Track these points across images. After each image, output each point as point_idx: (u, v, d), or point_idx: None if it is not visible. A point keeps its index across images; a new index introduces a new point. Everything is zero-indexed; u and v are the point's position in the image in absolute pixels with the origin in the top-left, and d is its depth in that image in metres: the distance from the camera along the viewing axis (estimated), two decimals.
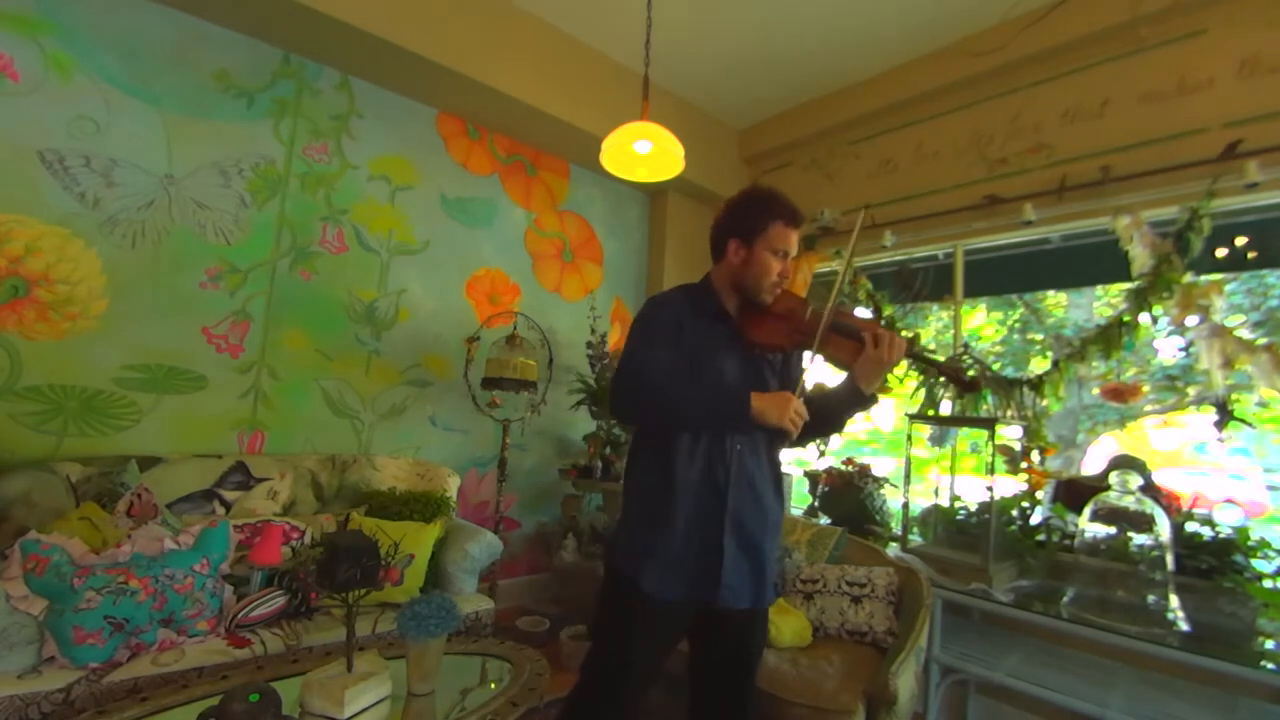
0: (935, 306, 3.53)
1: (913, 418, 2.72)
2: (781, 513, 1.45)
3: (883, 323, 3.18)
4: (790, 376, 1.47)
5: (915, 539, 2.63)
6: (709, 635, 1.40)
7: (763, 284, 1.39)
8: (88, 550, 1.71)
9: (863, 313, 3.29)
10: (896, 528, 2.73)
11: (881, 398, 3.28)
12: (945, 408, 2.87)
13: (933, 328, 4.07)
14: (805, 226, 3.60)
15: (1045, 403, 2.64)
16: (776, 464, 1.45)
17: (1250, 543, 1.99)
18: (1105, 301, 3.83)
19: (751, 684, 1.45)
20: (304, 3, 2.36)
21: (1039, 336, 4.49)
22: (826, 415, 1.40)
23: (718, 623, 1.37)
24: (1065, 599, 2.05)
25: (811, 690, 1.73)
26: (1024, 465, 2.56)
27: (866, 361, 1.31)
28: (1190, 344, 2.33)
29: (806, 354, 1.41)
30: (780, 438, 1.38)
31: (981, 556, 2.26)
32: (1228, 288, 2.29)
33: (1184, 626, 1.82)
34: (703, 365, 1.36)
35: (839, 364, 1.40)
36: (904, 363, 1.39)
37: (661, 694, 1.53)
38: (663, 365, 1.32)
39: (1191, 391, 3.56)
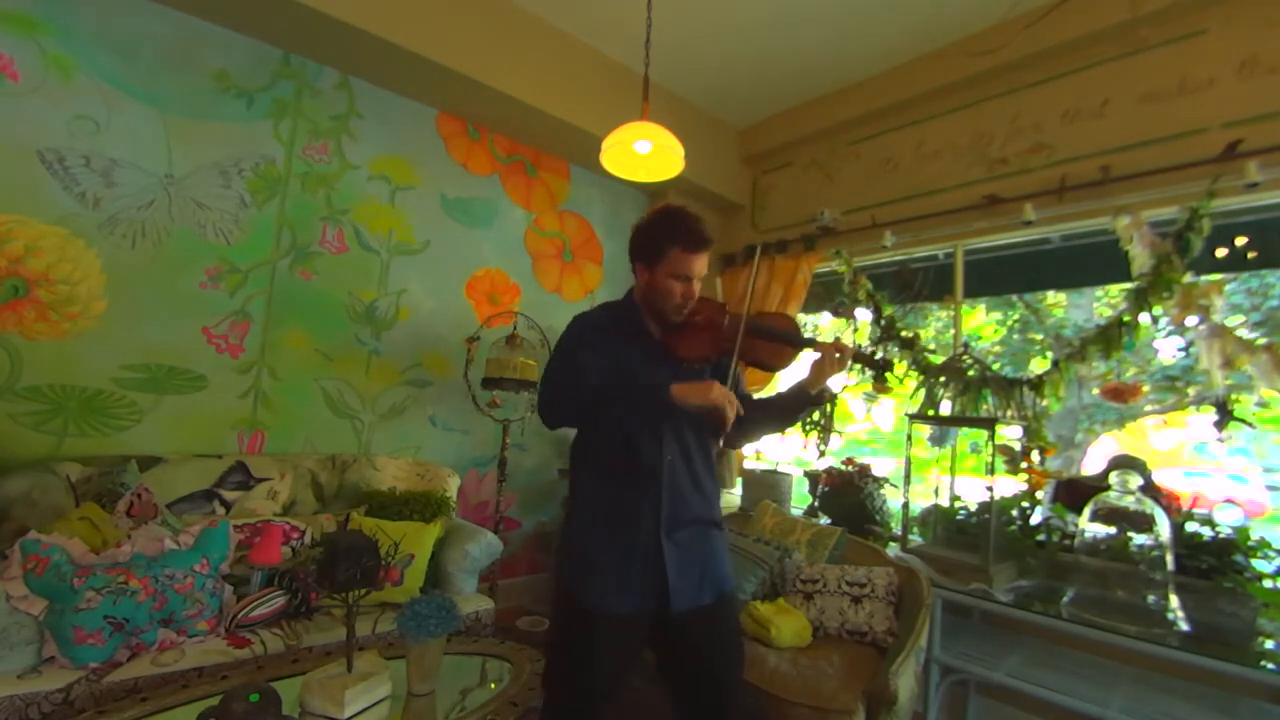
0: (935, 306, 3.54)
1: (913, 418, 2.72)
2: (718, 509, 1.47)
3: (882, 323, 3.18)
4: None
5: (915, 539, 2.63)
6: (672, 641, 1.37)
7: (666, 307, 1.40)
8: (88, 550, 1.71)
9: (815, 317, 3.29)
10: (896, 528, 2.73)
11: (882, 397, 3.28)
12: (945, 408, 2.87)
13: (933, 328, 4.08)
14: (805, 226, 3.64)
15: (1045, 403, 2.64)
16: (711, 468, 1.47)
17: (1250, 543, 1.99)
18: (1105, 301, 3.83)
19: (736, 679, 1.41)
20: (304, 3, 2.36)
21: (1039, 336, 4.50)
22: (774, 414, 1.44)
23: (678, 627, 1.34)
24: (1065, 599, 2.05)
25: (811, 690, 1.73)
26: (1024, 465, 2.56)
27: (815, 370, 1.38)
28: (1190, 344, 2.33)
29: (741, 379, 1.44)
30: (712, 435, 1.41)
31: (981, 556, 2.26)
32: (1228, 288, 2.29)
33: (1184, 626, 1.82)
34: (631, 375, 1.37)
35: (763, 366, 1.44)
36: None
37: (653, 690, 1.52)
38: (585, 363, 1.34)
39: (1191, 391, 3.57)
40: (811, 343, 1.42)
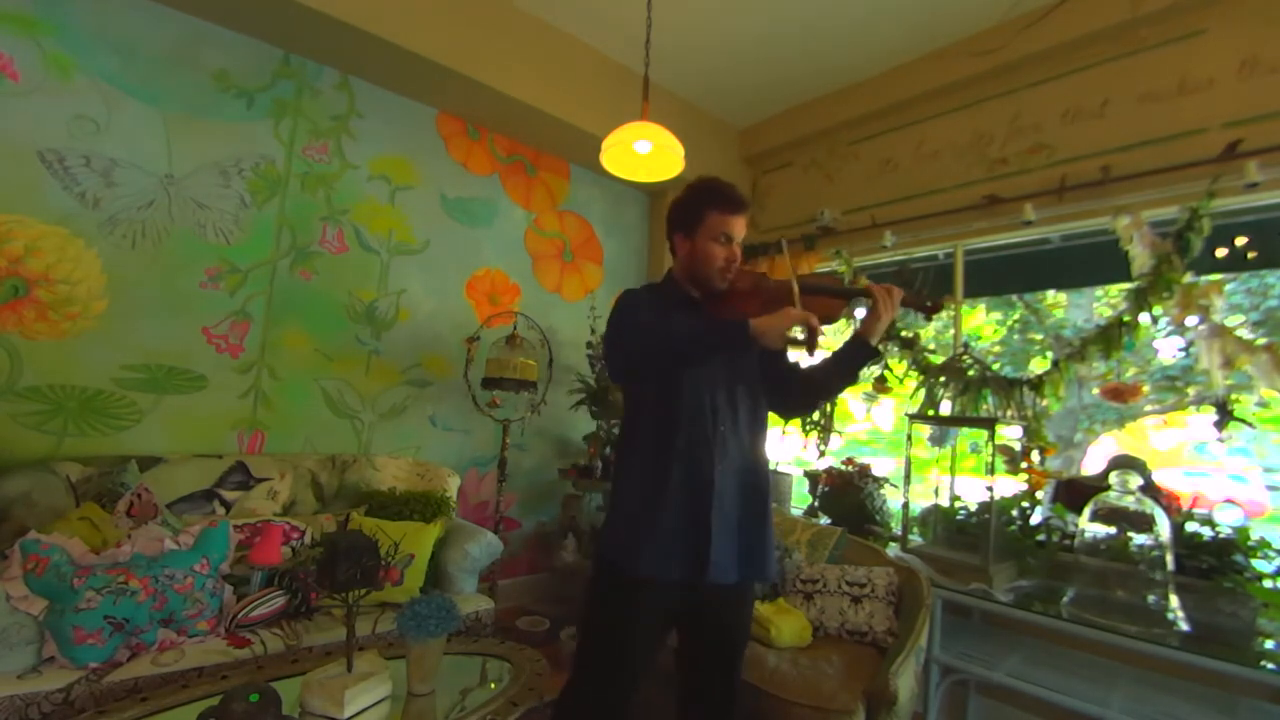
0: None
1: (913, 418, 2.72)
2: (768, 493, 1.46)
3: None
4: (768, 354, 1.48)
5: (915, 539, 2.63)
6: (696, 616, 1.41)
7: (710, 272, 1.41)
8: (88, 550, 1.71)
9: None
10: (896, 528, 2.73)
11: (882, 397, 3.29)
12: (945, 408, 2.87)
13: (933, 328, 4.07)
14: (805, 226, 3.64)
15: (1045, 403, 2.64)
16: (761, 451, 1.47)
17: (1250, 543, 1.99)
18: (1105, 301, 3.83)
19: (738, 668, 1.45)
20: (304, 3, 2.36)
21: (1039, 336, 4.50)
22: (835, 371, 1.44)
23: (704, 602, 1.38)
24: (1065, 599, 2.05)
25: (811, 690, 1.73)
26: (1024, 465, 2.56)
27: (870, 317, 1.38)
28: (1190, 344, 2.33)
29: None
30: (761, 407, 1.45)
31: (981, 556, 2.26)
32: (1228, 288, 2.29)
33: (1184, 626, 1.81)
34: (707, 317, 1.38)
35: (820, 320, 1.42)
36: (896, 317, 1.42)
37: (653, 689, 1.53)
38: (651, 317, 1.34)
39: (1191, 391, 3.57)
40: (862, 291, 1.41)
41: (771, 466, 3.36)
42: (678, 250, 1.47)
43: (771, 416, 1.54)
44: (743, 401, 1.42)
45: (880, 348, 1.43)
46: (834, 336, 2.73)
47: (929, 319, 1.54)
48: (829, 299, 1.40)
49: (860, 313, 1.42)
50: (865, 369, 1.50)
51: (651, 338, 1.29)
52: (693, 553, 1.32)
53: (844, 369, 1.45)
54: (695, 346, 1.27)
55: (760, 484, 1.44)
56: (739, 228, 1.41)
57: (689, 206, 1.43)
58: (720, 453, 1.36)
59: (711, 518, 1.33)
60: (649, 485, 1.36)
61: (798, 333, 1.22)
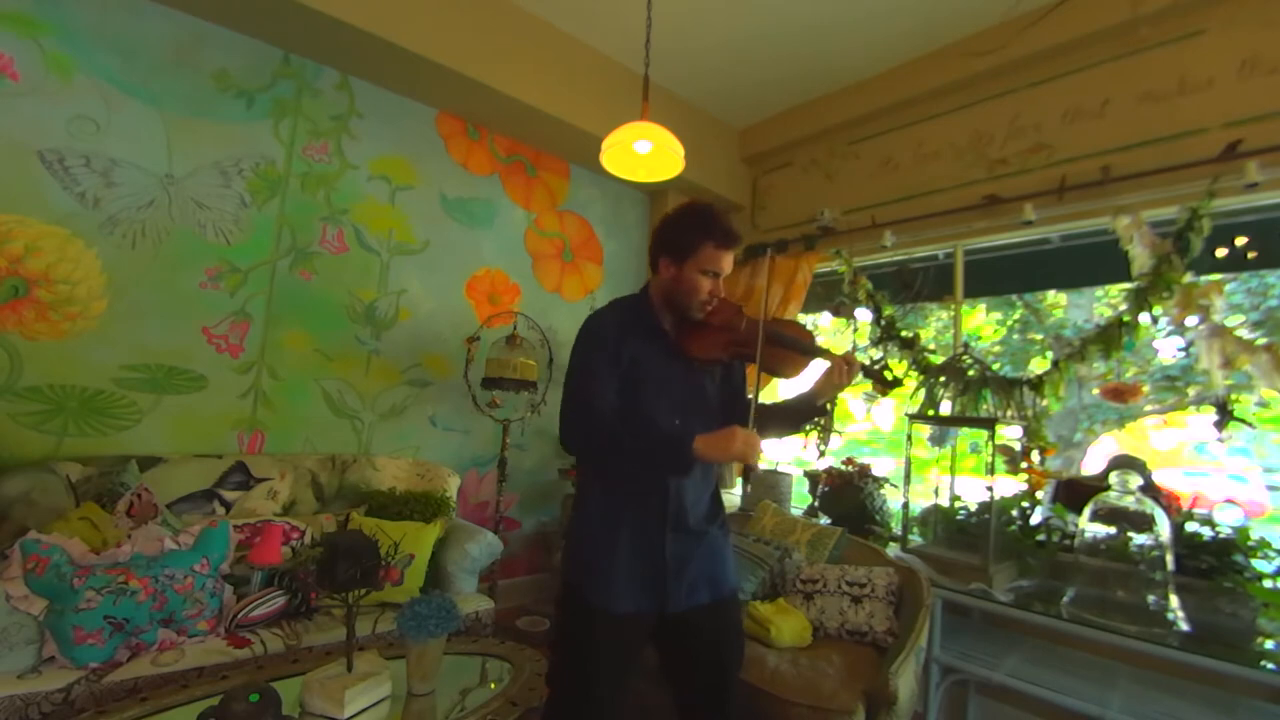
0: (935, 306, 3.54)
1: (913, 418, 2.72)
2: (724, 520, 1.47)
3: (882, 323, 3.18)
4: (731, 385, 1.52)
5: (915, 539, 2.63)
6: (673, 641, 1.40)
7: (691, 303, 1.39)
8: (88, 550, 1.72)
9: (815, 321, 3.29)
10: (896, 528, 2.73)
11: (881, 397, 3.28)
12: (945, 408, 2.87)
13: (933, 328, 4.08)
14: (805, 226, 3.64)
15: (1045, 403, 2.64)
16: (715, 479, 1.48)
17: (1250, 543, 1.99)
18: (1105, 301, 3.83)
19: (733, 677, 1.44)
20: (304, 3, 2.36)
21: (1039, 336, 4.50)
22: (783, 418, 1.48)
23: (681, 625, 1.36)
24: (1065, 599, 2.05)
25: (811, 690, 1.73)
26: (1024, 465, 2.56)
27: (823, 381, 1.41)
28: (1190, 344, 2.33)
29: (748, 378, 1.47)
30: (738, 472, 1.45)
31: (981, 556, 2.26)
32: (1228, 288, 2.29)
33: (1184, 626, 1.81)
34: (641, 383, 1.36)
35: (775, 373, 1.46)
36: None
37: (653, 690, 1.53)
38: (609, 401, 1.33)
39: (1191, 391, 3.57)
40: (824, 353, 1.43)
41: (772, 467, 3.36)
42: (661, 273, 1.42)
43: None
44: (699, 429, 1.39)
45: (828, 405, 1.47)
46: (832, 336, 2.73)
47: (885, 394, 1.58)
48: (791, 353, 1.43)
49: (818, 368, 1.45)
50: (808, 425, 1.53)
51: (598, 434, 1.30)
52: (651, 585, 1.32)
53: (791, 420, 1.50)
54: (637, 459, 1.30)
55: (716, 514, 1.45)
56: (729, 264, 1.39)
57: (683, 232, 1.38)
58: (676, 485, 1.36)
59: (667, 549, 1.33)
60: (602, 517, 1.36)
61: (738, 467, 1.25)
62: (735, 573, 1.47)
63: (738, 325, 1.44)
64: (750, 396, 1.39)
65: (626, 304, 1.48)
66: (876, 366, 1.51)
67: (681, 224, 1.40)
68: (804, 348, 1.44)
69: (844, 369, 1.39)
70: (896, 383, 1.53)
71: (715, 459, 1.25)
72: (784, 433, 1.55)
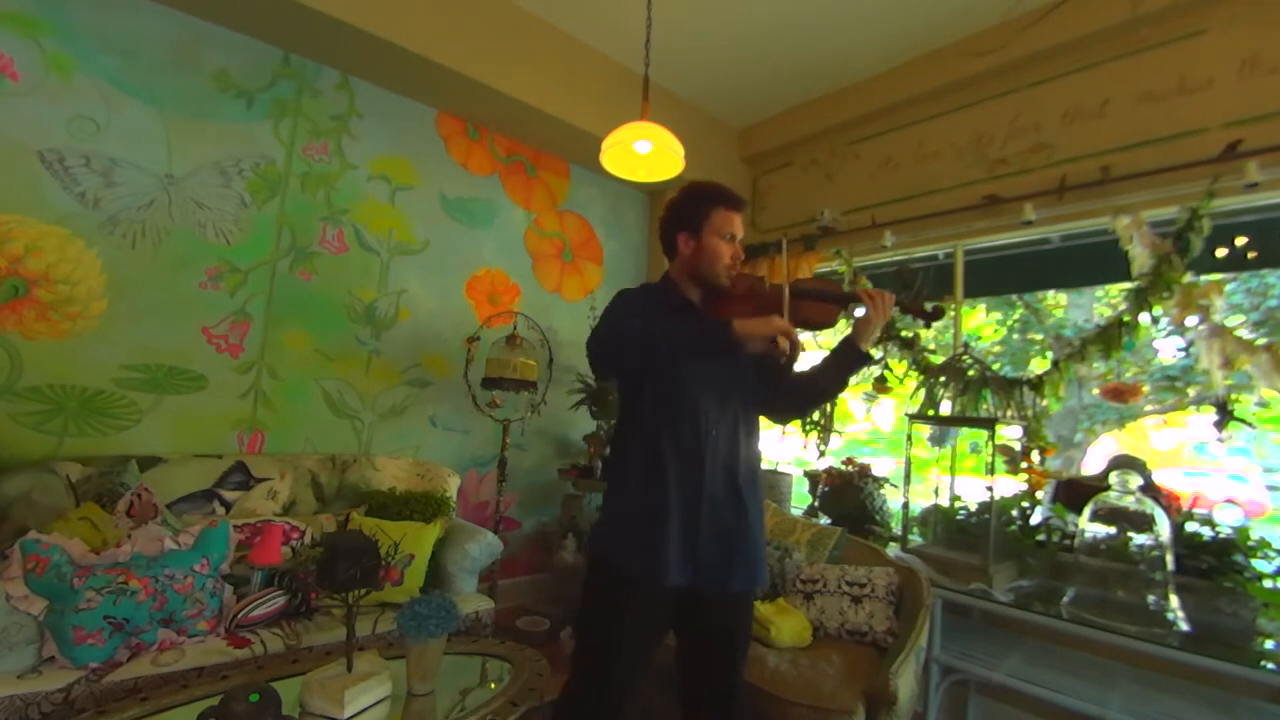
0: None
1: (913, 418, 2.72)
2: (759, 499, 1.46)
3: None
4: (760, 358, 1.49)
5: (915, 539, 2.63)
6: (693, 620, 1.41)
7: (717, 269, 1.43)
8: (88, 550, 1.71)
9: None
10: (896, 528, 2.73)
11: (881, 397, 3.28)
12: (945, 408, 2.87)
13: (933, 328, 4.07)
14: (805, 226, 3.64)
15: (1045, 403, 2.64)
16: (754, 454, 1.48)
17: (1250, 543, 1.98)
18: (1105, 301, 3.83)
19: (740, 669, 1.46)
20: (304, 3, 2.36)
21: (1039, 336, 4.50)
22: (826, 375, 1.47)
23: (700, 606, 1.38)
24: (1065, 599, 2.05)
25: (811, 690, 1.73)
26: (1024, 465, 2.56)
27: (862, 322, 1.40)
28: (1190, 344, 2.33)
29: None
30: (775, 375, 1.45)
31: (981, 556, 2.26)
32: (1228, 288, 2.29)
33: (1184, 626, 1.81)
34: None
35: (813, 325, 1.46)
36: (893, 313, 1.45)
37: (654, 690, 1.53)
38: (639, 314, 1.35)
39: (1191, 391, 3.57)
40: (854, 295, 1.43)
41: (771, 466, 3.36)
42: (681, 249, 1.47)
43: (765, 420, 1.55)
44: (736, 406, 1.43)
45: (873, 352, 1.44)
46: (834, 336, 2.73)
47: (928, 325, 1.54)
48: (821, 304, 1.42)
49: (860, 312, 1.43)
50: (858, 374, 1.51)
51: (633, 336, 1.28)
52: (683, 559, 1.32)
53: (835, 374, 1.47)
54: (674, 346, 1.27)
55: (753, 489, 1.44)
56: (741, 226, 1.45)
57: (692, 205, 1.45)
58: (711, 458, 1.36)
59: (701, 523, 1.33)
60: (640, 489, 1.36)
61: (781, 342, 1.23)
62: (765, 569, 1.47)
63: (762, 289, 1.46)
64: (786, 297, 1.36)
65: (653, 287, 1.53)
66: (914, 295, 1.49)
67: (691, 199, 1.46)
68: (831, 295, 1.45)
69: (880, 301, 1.38)
70: (938, 312, 1.50)
71: (757, 332, 1.22)
72: (835, 384, 1.50)
